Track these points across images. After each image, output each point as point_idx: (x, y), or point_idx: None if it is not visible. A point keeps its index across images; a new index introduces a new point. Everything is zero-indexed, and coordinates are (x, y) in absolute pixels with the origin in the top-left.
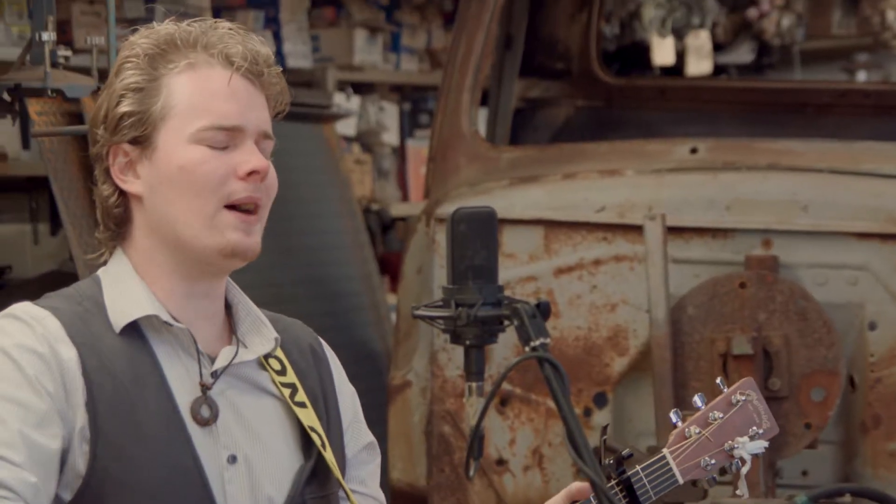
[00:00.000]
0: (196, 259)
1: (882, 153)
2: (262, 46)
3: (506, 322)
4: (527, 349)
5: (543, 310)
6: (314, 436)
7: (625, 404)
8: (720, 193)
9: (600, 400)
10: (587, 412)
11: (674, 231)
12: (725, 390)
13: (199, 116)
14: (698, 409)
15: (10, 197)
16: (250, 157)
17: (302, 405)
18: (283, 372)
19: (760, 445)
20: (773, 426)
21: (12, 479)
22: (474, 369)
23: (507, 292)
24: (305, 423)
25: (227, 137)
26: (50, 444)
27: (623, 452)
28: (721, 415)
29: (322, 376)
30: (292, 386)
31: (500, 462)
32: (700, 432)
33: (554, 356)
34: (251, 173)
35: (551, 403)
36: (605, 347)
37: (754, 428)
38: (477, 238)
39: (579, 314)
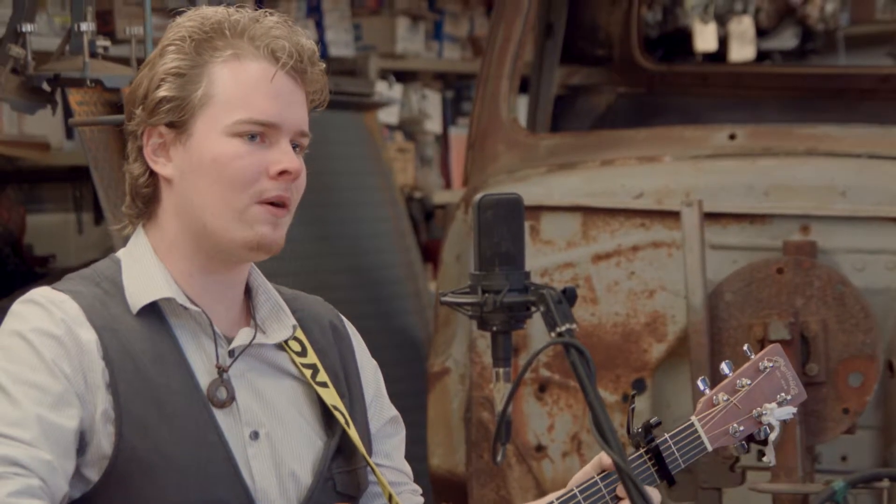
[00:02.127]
0: (219, 249)
1: None
2: (308, 41)
3: (532, 308)
4: (552, 335)
5: (570, 296)
6: (337, 414)
7: (663, 390)
8: (758, 179)
9: (639, 386)
10: (625, 398)
11: (711, 217)
12: (753, 357)
13: (238, 109)
14: (726, 376)
15: (54, 186)
16: (283, 156)
17: (324, 385)
18: (303, 353)
19: (788, 412)
20: (800, 392)
21: (26, 456)
22: (501, 355)
23: (545, 279)
24: (328, 402)
25: (262, 132)
26: (66, 423)
27: (651, 420)
28: (749, 381)
29: (343, 353)
30: (313, 367)
31: (539, 448)
32: (728, 399)
33: (592, 342)
34: (283, 173)
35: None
36: (644, 333)
37: (782, 394)
38: (503, 224)
39: (617, 300)
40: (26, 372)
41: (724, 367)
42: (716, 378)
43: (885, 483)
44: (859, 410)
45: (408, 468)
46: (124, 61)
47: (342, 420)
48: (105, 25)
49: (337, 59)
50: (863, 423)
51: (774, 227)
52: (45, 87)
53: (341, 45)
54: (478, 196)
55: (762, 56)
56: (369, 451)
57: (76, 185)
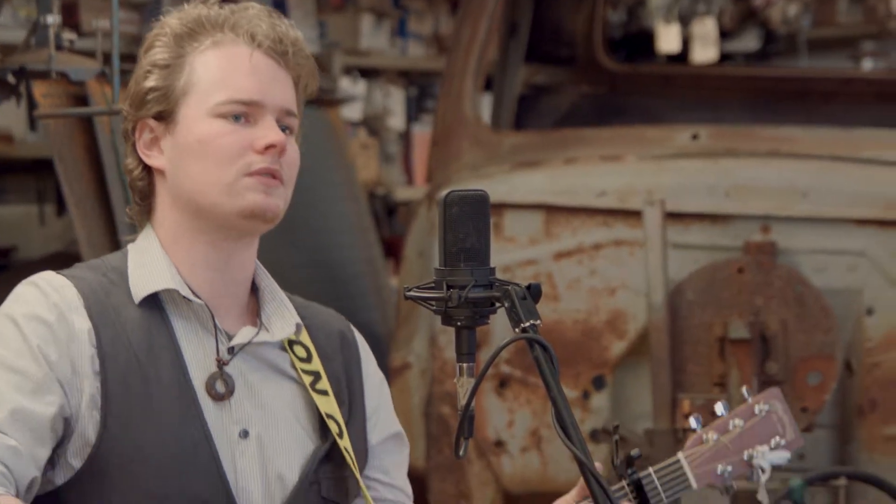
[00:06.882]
0: (218, 225)
1: (882, 140)
2: (292, 29)
3: (497, 304)
4: (517, 331)
5: (534, 292)
6: (331, 423)
7: (623, 387)
8: (720, 179)
9: (599, 383)
10: (586, 395)
11: (673, 216)
12: (749, 399)
13: (219, 91)
14: (721, 416)
15: (16, 178)
16: (268, 131)
17: (323, 393)
18: (307, 359)
19: (782, 456)
20: (796, 438)
21: None
22: (465, 350)
23: (507, 276)
24: (324, 410)
25: (246, 112)
26: (42, 410)
27: (633, 452)
28: (742, 423)
29: (348, 361)
30: (315, 374)
31: (499, 444)
32: (718, 438)
33: (553, 339)
34: (268, 147)
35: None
36: (604, 331)
37: (777, 438)
38: (469, 220)
39: (578, 298)
40: (10, 357)
41: (720, 406)
42: (677, 381)
43: (842, 481)
44: (817, 409)
45: (408, 488)
46: (90, 54)
47: (335, 429)
48: (70, 18)
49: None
50: (820, 421)
51: (736, 227)
52: (10, 79)
53: (306, 41)
54: (444, 192)
55: (725, 58)
56: (363, 463)
57: (39, 178)
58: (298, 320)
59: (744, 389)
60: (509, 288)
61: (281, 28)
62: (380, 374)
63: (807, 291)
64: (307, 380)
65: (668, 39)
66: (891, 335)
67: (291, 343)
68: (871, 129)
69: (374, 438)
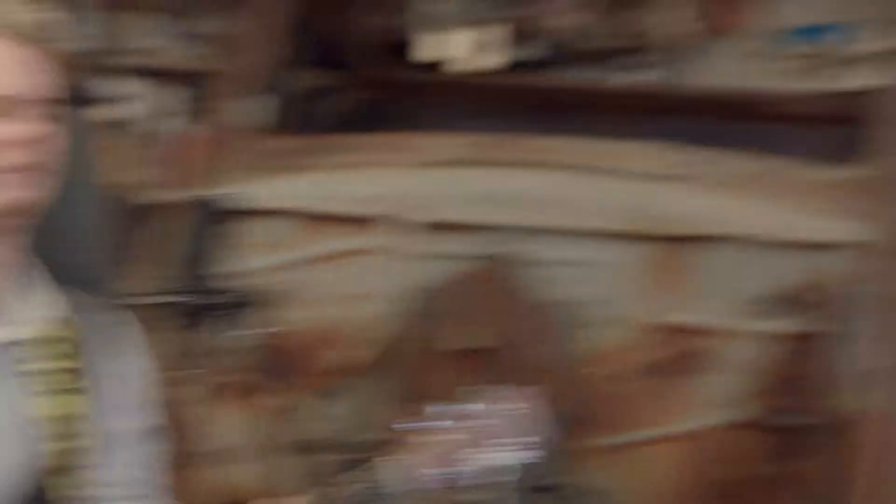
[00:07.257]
0: None
1: (625, 153)
2: (40, 13)
3: (227, 310)
4: (247, 336)
5: (262, 299)
6: (70, 424)
7: (360, 396)
8: (476, 189)
9: (334, 391)
10: (320, 403)
11: (427, 225)
12: (492, 399)
13: None
14: (433, 415)
15: None
16: (25, 125)
17: (72, 391)
18: (66, 355)
19: (520, 457)
20: (538, 440)
21: None
22: (192, 356)
23: (256, 282)
24: (66, 410)
25: (1, 107)
26: None
27: (354, 458)
28: (477, 424)
29: (111, 353)
30: (73, 371)
31: (223, 452)
32: (448, 439)
33: (295, 346)
34: (25, 141)
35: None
36: (348, 339)
37: (513, 439)
38: (207, 226)
39: (325, 305)
40: None
41: (433, 409)
42: (415, 390)
43: (558, 492)
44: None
45: (157, 482)
46: None
47: (73, 431)
48: None
49: (74, 54)
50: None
51: (485, 237)
52: None
53: (82, 38)
54: (187, 196)
55: (503, 68)
56: (104, 457)
57: None
58: (50, 314)
59: (465, 389)
60: (240, 295)
61: (28, 15)
62: (143, 366)
63: (540, 303)
64: (58, 379)
65: (437, 48)
66: (616, 348)
67: (49, 340)
68: (619, 140)
69: (122, 432)
